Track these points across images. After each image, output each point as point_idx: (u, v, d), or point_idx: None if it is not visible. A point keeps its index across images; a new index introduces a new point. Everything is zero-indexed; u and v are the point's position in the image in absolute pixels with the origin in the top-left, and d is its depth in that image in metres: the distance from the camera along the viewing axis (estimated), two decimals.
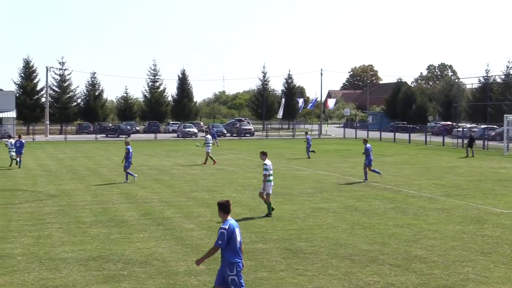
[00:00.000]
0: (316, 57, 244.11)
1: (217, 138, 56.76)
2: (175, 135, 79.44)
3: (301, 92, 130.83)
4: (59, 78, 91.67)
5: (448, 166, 34.67)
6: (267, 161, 17.99)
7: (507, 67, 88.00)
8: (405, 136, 65.10)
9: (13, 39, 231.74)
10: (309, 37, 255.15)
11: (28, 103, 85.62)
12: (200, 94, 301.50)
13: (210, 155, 35.47)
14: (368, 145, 27.61)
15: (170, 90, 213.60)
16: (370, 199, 21.57)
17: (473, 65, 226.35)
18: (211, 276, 11.08)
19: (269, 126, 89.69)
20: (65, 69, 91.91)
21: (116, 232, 15.69)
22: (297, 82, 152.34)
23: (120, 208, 19.43)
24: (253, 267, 12.22)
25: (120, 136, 72.97)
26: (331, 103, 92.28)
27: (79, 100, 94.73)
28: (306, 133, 44.95)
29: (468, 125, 76.03)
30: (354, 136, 69.78)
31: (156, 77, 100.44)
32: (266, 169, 17.80)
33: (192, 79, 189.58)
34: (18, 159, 33.73)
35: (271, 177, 18.00)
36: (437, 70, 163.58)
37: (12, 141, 35.73)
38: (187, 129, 77.27)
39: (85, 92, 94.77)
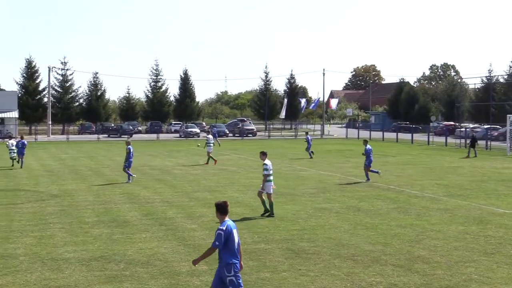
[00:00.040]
0: (318, 57, 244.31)
1: (218, 138, 56.82)
2: (177, 135, 79.44)
3: (303, 92, 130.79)
4: (61, 78, 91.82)
5: (451, 166, 34.61)
6: (267, 161, 18.02)
7: (510, 67, 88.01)
8: (407, 136, 65.02)
9: (15, 39, 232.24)
10: (311, 37, 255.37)
11: (30, 103, 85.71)
12: (203, 94, 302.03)
13: (211, 155, 35.51)
14: (368, 146, 27.55)
15: (172, 90, 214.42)
16: (372, 199, 21.53)
17: (476, 65, 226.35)
18: (213, 276, 11.05)
19: (271, 126, 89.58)
20: (67, 69, 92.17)
21: (118, 232, 15.68)
22: (300, 82, 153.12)
23: (122, 208, 19.42)
24: (256, 268, 12.20)
25: (122, 136, 72.99)
26: (334, 103, 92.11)
27: (81, 100, 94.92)
28: (307, 133, 44.89)
29: (471, 125, 75.88)
30: (356, 136, 69.68)
31: (158, 77, 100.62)
32: (266, 169, 17.82)
33: (195, 79, 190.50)
34: (20, 159, 33.74)
35: (271, 177, 18.01)
36: (439, 70, 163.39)
37: (13, 141, 35.71)
38: (189, 129, 77.29)
39: (87, 92, 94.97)
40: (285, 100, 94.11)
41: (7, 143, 36.16)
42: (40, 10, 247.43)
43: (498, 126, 68.56)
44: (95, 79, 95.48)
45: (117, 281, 11.29)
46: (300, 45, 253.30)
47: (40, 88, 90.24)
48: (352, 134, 74.43)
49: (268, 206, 18.00)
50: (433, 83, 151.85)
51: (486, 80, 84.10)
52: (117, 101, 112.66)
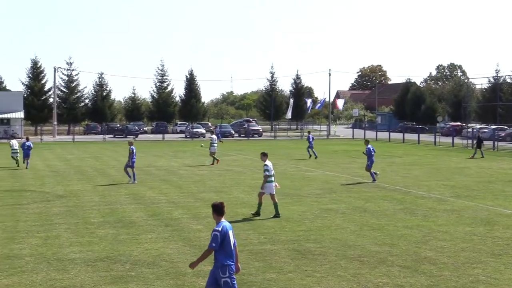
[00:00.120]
0: (324, 57, 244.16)
1: (224, 138, 57.11)
2: (183, 135, 79.50)
3: (309, 92, 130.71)
4: (66, 78, 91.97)
5: (458, 167, 34.48)
6: (268, 162, 18.06)
7: None
8: (414, 136, 64.85)
9: (21, 39, 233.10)
10: (317, 37, 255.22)
11: (36, 103, 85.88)
12: (208, 94, 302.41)
13: (214, 155, 35.55)
14: (370, 145, 27.44)
15: (178, 91, 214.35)
16: (379, 200, 21.46)
17: (483, 65, 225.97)
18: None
19: (277, 126, 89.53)
20: (72, 70, 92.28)
21: (124, 233, 15.67)
22: (306, 82, 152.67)
23: (128, 209, 19.41)
24: (262, 268, 12.16)
25: (128, 136, 73.04)
26: (340, 103, 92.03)
27: (86, 101, 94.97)
28: (309, 132, 44.65)
29: (478, 126, 75.67)
30: (362, 137, 69.29)
31: (164, 77, 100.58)
32: (267, 170, 17.83)
33: (200, 79, 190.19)
34: (26, 161, 33.75)
35: (272, 178, 18.01)
36: (446, 70, 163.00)
37: (15, 141, 35.75)
38: (195, 130, 77.32)
39: (93, 92, 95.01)
40: (291, 100, 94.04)
41: (10, 142, 36.26)
42: (46, 10, 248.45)
43: (505, 127, 68.35)
44: (100, 79, 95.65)
45: (123, 282, 11.27)
46: (306, 45, 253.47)
47: (46, 88, 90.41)
48: (358, 135, 74.27)
49: (260, 208, 18.02)
50: (440, 83, 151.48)
51: (493, 80, 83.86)
52: (123, 102, 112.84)
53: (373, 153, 27.16)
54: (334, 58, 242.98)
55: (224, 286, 8.82)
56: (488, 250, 13.78)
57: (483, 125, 78.38)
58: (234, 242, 9.03)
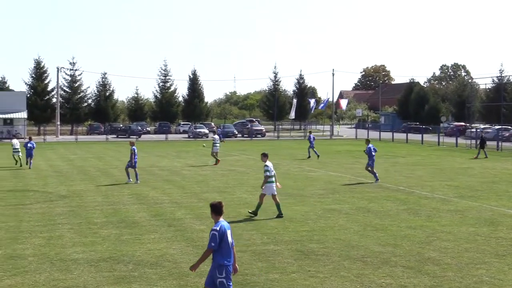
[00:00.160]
0: (328, 57, 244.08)
1: (227, 138, 57.22)
2: (186, 135, 79.52)
3: (312, 92, 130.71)
4: (69, 78, 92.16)
5: (462, 167, 34.41)
6: (268, 163, 18.06)
7: None
8: (417, 137, 64.76)
9: (24, 40, 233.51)
10: (320, 37, 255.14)
11: (39, 103, 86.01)
12: (211, 94, 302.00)
13: (216, 155, 35.56)
14: (370, 145, 27.37)
15: (181, 91, 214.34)
16: (382, 200, 21.41)
17: (487, 65, 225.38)
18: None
19: (280, 127, 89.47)
20: (75, 70, 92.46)
21: (127, 233, 15.66)
22: (309, 82, 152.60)
23: (131, 209, 19.41)
24: (265, 269, 12.14)
25: (131, 136, 73.13)
26: (343, 103, 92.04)
27: (89, 101, 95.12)
28: (310, 132, 44.55)
29: (482, 126, 75.54)
30: (366, 137, 69.43)
31: (167, 77, 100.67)
32: (267, 170, 17.84)
33: (203, 79, 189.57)
34: (29, 161, 33.82)
35: (273, 178, 18.01)
36: (450, 70, 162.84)
37: (17, 141, 35.84)
38: (198, 130, 77.32)
39: (96, 92, 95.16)
40: (294, 100, 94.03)
41: (12, 142, 36.41)
42: (49, 11, 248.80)
43: (509, 127, 68.17)
44: (103, 79, 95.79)
45: (126, 282, 11.26)
46: (310, 45, 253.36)
47: (49, 88, 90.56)
48: (362, 135, 74.12)
49: (258, 209, 18.00)
50: (444, 83, 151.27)
51: (497, 80, 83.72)
52: (126, 102, 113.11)
53: (373, 153, 27.10)
54: (338, 58, 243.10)
55: (220, 286, 8.80)
56: (492, 251, 13.73)
57: (487, 125, 78.25)
58: (232, 242, 9.00)
